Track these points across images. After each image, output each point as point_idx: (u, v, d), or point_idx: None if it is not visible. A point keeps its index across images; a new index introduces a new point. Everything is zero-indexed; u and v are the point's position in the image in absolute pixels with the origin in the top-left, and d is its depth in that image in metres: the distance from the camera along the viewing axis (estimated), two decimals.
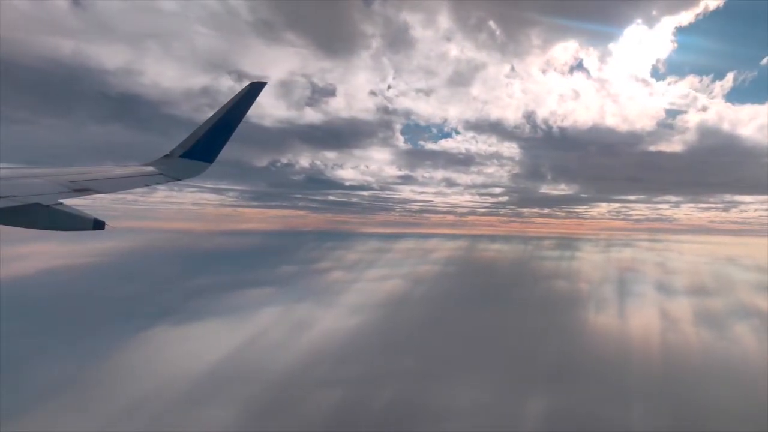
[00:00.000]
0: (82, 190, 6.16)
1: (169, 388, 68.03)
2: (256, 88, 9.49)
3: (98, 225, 5.47)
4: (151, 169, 8.45)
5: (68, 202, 5.75)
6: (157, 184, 7.93)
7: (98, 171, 7.36)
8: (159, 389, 67.56)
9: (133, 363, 76.82)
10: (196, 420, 61.16)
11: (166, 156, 9.11)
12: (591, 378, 75.72)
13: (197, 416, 61.95)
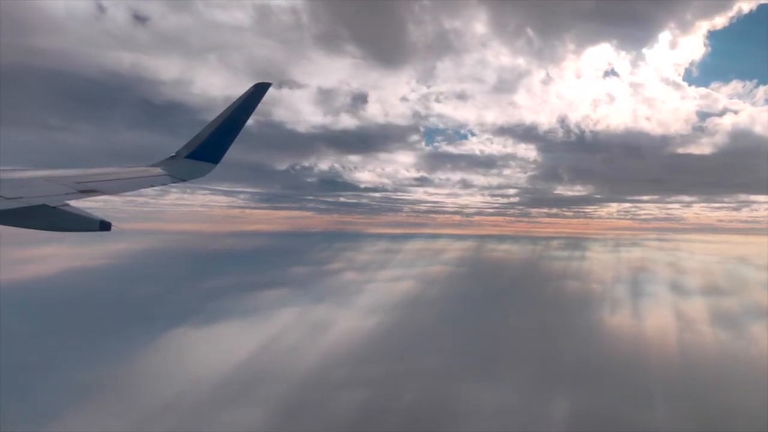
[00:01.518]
0: (88, 191, 6.22)
1: (193, 390, 68.49)
2: (260, 89, 9.56)
3: (104, 226, 5.47)
4: (157, 170, 8.52)
5: (75, 203, 5.78)
6: (163, 184, 8.00)
7: (104, 172, 7.44)
8: (182, 391, 67.97)
9: (155, 365, 77.57)
10: (222, 422, 61.58)
11: (172, 157, 9.18)
12: (610, 378, 74.74)
13: (222, 418, 62.39)
